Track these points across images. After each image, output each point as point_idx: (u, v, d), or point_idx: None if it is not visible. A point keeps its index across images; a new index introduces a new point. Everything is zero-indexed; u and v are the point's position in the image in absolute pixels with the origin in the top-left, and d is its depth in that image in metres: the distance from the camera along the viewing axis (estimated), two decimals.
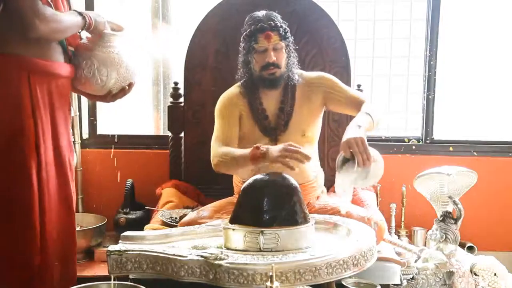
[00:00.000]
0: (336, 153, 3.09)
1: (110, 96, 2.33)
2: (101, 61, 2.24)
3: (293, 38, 2.55)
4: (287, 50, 2.49)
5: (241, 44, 2.52)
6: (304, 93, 2.54)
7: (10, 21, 2.01)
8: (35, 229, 2.10)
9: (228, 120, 2.53)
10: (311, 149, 2.55)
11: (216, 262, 1.75)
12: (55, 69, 2.16)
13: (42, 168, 2.11)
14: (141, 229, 2.56)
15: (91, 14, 2.23)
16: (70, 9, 2.26)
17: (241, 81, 2.57)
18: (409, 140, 3.48)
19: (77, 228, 3.05)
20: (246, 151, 2.30)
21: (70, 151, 2.29)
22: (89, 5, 3.38)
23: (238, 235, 1.91)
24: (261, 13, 2.49)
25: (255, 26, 2.44)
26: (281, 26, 2.45)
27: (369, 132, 2.32)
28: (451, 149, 3.44)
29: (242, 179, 2.56)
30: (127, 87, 2.33)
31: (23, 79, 2.07)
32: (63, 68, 2.20)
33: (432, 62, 3.42)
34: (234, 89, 2.61)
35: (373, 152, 2.21)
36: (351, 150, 2.15)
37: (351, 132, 2.19)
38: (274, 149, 2.23)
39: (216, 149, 2.45)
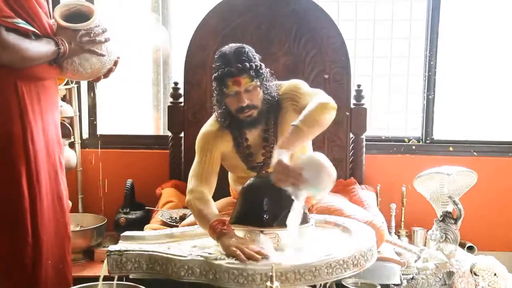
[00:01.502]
0: (336, 153, 3.12)
1: (101, 78, 2.34)
2: (81, 57, 2.21)
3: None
4: (262, 86, 2.24)
5: (213, 83, 2.29)
6: (282, 110, 2.33)
7: None
8: (27, 231, 2.10)
9: (208, 156, 2.32)
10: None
11: (216, 262, 1.75)
12: (40, 73, 2.15)
13: (32, 171, 2.10)
14: (141, 229, 2.56)
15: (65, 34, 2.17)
16: (49, 7, 2.23)
17: (220, 119, 2.33)
18: (409, 140, 3.48)
19: (77, 228, 3.07)
20: (212, 215, 2.08)
21: (60, 150, 2.28)
22: None
23: (238, 235, 1.91)
24: (229, 51, 2.22)
25: (223, 70, 2.19)
26: (251, 66, 2.19)
27: (310, 133, 2.08)
28: (451, 149, 3.44)
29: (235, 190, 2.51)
30: (114, 67, 2.33)
31: (9, 85, 2.06)
32: (49, 71, 2.19)
33: (432, 62, 3.41)
34: (213, 125, 2.36)
35: (307, 158, 1.93)
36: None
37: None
38: (230, 240, 1.91)
39: (192, 186, 2.25)
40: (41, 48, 2.10)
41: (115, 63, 2.32)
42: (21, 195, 2.08)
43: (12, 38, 2.01)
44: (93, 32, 2.20)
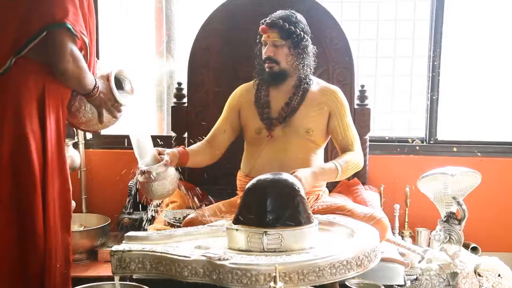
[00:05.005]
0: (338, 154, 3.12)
1: (87, 131, 2.59)
2: (95, 111, 2.33)
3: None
4: (294, 51, 2.53)
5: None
6: (317, 98, 2.60)
7: (45, 44, 2.07)
8: (39, 229, 2.11)
9: (226, 114, 2.69)
10: (316, 150, 2.61)
11: (220, 262, 1.75)
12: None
13: (48, 172, 2.13)
14: (145, 229, 2.56)
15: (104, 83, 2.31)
16: (94, 24, 2.32)
17: (256, 68, 2.66)
18: (412, 141, 3.48)
19: (81, 229, 3.08)
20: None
21: (65, 160, 2.32)
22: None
23: (242, 236, 1.91)
24: (279, 11, 2.57)
25: (263, 20, 2.55)
26: (284, 25, 2.48)
27: (327, 180, 2.57)
28: (454, 149, 3.43)
29: (243, 173, 2.65)
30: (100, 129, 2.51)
31: (38, 85, 2.11)
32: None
33: (436, 63, 3.41)
34: (252, 82, 2.69)
35: None
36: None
37: (306, 172, 2.36)
38: None
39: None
40: (89, 78, 2.19)
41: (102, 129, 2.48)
42: (35, 192, 2.11)
43: (80, 56, 2.12)
44: (117, 105, 2.33)
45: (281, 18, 2.52)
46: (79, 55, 2.11)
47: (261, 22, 2.57)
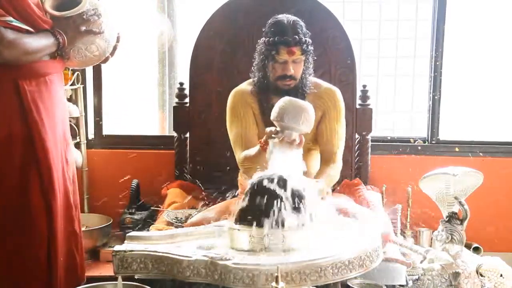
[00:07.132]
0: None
1: (109, 57, 2.36)
2: (85, 41, 2.21)
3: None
4: (305, 62, 2.46)
5: (260, 46, 2.49)
6: (315, 100, 2.50)
7: None
8: (43, 228, 2.11)
9: (244, 121, 2.53)
10: (314, 154, 2.60)
11: (222, 262, 1.75)
12: (41, 68, 2.13)
13: (44, 171, 2.10)
14: (147, 229, 2.56)
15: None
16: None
17: (254, 81, 2.55)
18: (414, 141, 3.47)
19: (83, 228, 3.06)
20: (257, 147, 2.32)
21: (66, 146, 2.27)
22: None
23: (244, 236, 1.90)
24: (286, 20, 2.43)
25: (279, 38, 2.38)
26: (305, 41, 2.40)
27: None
28: (457, 149, 3.43)
29: (245, 178, 2.58)
30: (117, 43, 2.34)
31: (10, 86, 2.05)
32: (50, 66, 2.17)
33: (438, 63, 3.40)
34: (245, 87, 2.59)
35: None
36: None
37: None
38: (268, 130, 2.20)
39: (238, 157, 2.50)
40: (41, 41, 2.08)
41: (117, 39, 2.33)
42: (33, 199, 2.09)
43: (11, 33, 1.99)
44: (85, 13, 2.18)
45: (301, 32, 2.41)
46: (7, 34, 1.98)
47: (277, 40, 2.39)
